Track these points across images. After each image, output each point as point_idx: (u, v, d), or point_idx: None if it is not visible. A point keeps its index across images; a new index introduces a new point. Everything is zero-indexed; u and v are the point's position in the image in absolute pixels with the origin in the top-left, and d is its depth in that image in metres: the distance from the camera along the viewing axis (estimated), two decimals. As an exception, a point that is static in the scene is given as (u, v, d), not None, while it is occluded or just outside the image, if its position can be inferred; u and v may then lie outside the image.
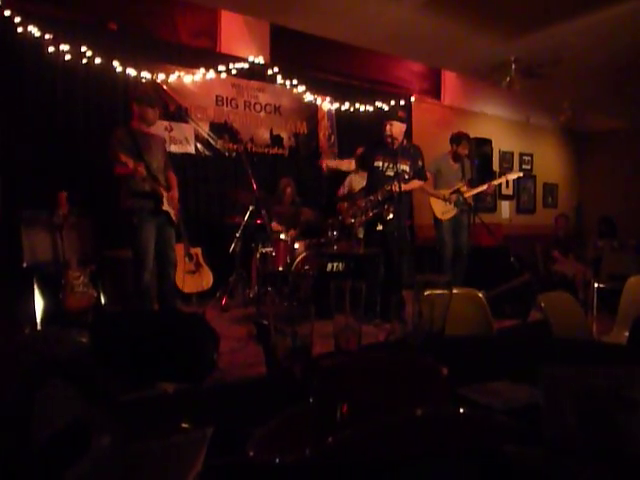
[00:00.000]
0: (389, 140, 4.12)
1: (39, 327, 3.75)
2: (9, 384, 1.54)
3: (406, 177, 4.15)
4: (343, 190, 5.93)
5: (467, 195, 5.24)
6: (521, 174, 7.21)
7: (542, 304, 2.17)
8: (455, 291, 2.18)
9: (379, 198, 4.11)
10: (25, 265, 3.97)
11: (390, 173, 4.13)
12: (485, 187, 5.40)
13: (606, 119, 8.97)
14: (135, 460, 0.87)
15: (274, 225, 5.02)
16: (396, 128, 4.15)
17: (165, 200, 3.79)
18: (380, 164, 4.19)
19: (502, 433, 0.60)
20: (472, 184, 5.39)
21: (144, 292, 3.73)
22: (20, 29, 4.43)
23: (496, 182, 6.64)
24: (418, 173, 4.30)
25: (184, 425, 1.50)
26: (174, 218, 3.90)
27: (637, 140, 9.11)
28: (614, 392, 0.72)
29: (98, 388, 1.88)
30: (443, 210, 5.19)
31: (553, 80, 6.34)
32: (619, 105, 7.96)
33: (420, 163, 4.26)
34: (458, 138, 5.33)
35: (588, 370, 0.76)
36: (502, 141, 8.70)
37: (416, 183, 4.36)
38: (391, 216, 3.99)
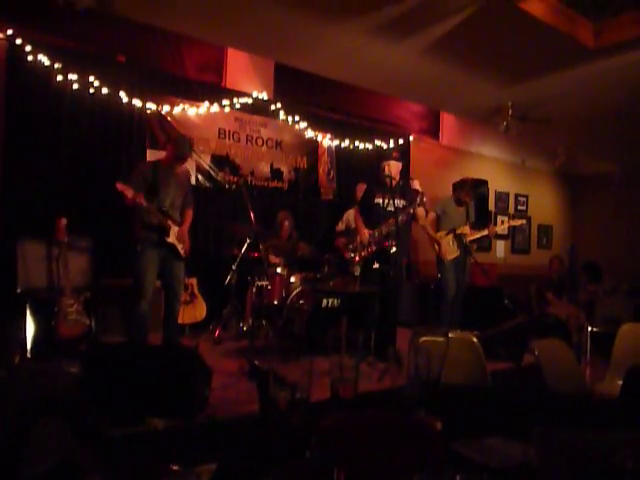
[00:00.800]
0: (387, 179, 4.23)
1: (29, 354, 3.70)
2: (0, 419, 1.52)
3: (411, 212, 4.29)
4: (341, 226, 5.99)
5: (470, 239, 5.39)
6: (524, 222, 7.33)
7: (536, 352, 2.18)
8: (450, 336, 2.19)
9: (383, 232, 4.21)
10: (19, 290, 3.95)
11: (390, 209, 4.24)
12: (486, 232, 5.58)
13: (599, 163, 9.16)
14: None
15: (272, 258, 5.04)
16: (393, 167, 4.34)
17: (172, 233, 3.87)
18: (380, 201, 4.32)
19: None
20: (474, 227, 5.54)
21: (140, 322, 3.76)
22: (30, 57, 4.54)
23: (500, 228, 6.79)
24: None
25: (174, 467, 1.49)
26: (182, 252, 3.96)
27: (629, 184, 9.29)
28: (604, 458, 0.73)
29: (88, 424, 1.86)
30: (448, 250, 5.32)
31: (548, 125, 6.50)
32: (612, 150, 8.16)
33: (412, 203, 4.38)
34: (461, 185, 5.54)
35: (581, 433, 0.78)
36: (498, 182, 8.84)
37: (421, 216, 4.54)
38: (394, 249, 4.07)
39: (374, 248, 4.22)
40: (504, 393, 1.48)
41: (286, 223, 5.38)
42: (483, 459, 0.92)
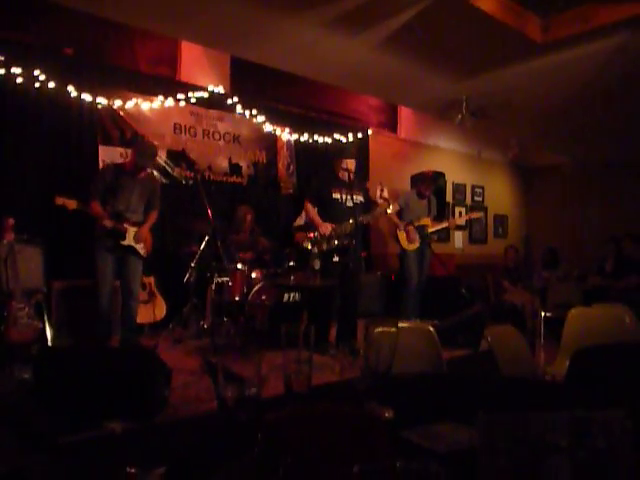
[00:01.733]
0: (345, 174, 4.26)
1: (-23, 361, 3.55)
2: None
3: (384, 209, 4.31)
4: (300, 220, 5.99)
5: (431, 230, 5.58)
6: (481, 214, 7.62)
7: (488, 338, 2.26)
8: (405, 325, 2.24)
9: (346, 230, 4.22)
10: (-35, 295, 3.77)
11: (350, 204, 4.28)
12: (447, 224, 5.81)
13: (551, 155, 9.50)
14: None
15: (242, 254, 5.01)
16: (351, 164, 4.38)
17: (129, 235, 3.95)
18: (338, 196, 4.30)
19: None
20: (435, 219, 5.74)
21: (100, 320, 3.88)
22: (-31, 50, 4.32)
23: (459, 220, 7.05)
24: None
25: (131, 470, 1.46)
26: (141, 251, 4.05)
27: (578, 174, 9.68)
28: (541, 438, 0.77)
29: (38, 431, 1.80)
30: (408, 241, 5.48)
31: (502, 119, 6.70)
32: (562, 142, 8.47)
33: (368, 196, 4.46)
34: (421, 179, 5.75)
35: (520, 415, 0.81)
36: (455, 173, 9.04)
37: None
38: (353, 242, 4.15)
39: (336, 243, 4.24)
40: (455, 380, 1.53)
41: (248, 217, 5.34)
42: (430, 445, 0.95)
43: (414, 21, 4.28)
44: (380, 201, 4.27)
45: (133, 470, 1.44)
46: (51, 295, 4.26)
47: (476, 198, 9.62)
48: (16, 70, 4.53)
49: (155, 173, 5.46)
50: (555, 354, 2.91)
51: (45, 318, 3.87)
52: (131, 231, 3.96)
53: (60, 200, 3.63)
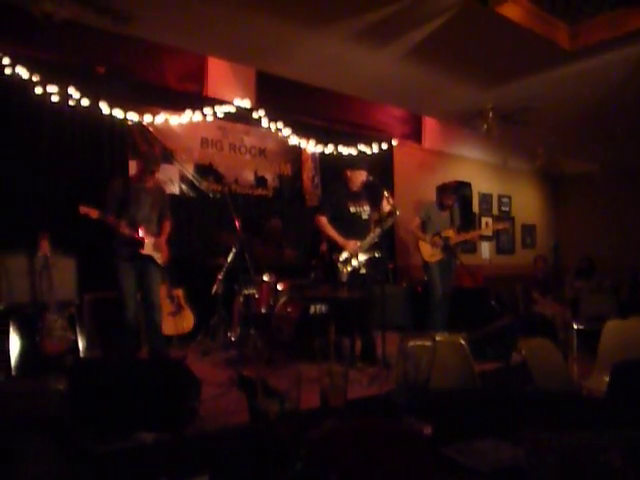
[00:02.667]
0: (354, 186, 4.33)
1: (14, 372, 3.64)
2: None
3: (394, 211, 4.29)
4: (324, 246, 5.95)
5: (454, 242, 5.49)
6: (507, 225, 7.50)
7: (523, 351, 2.20)
8: (438, 339, 2.21)
9: (371, 242, 4.21)
10: (1, 307, 3.88)
11: (365, 217, 4.32)
12: (471, 236, 5.71)
13: (580, 163, 9.32)
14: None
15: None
16: (361, 175, 4.37)
17: (147, 245, 3.99)
18: (354, 210, 4.32)
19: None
20: (459, 230, 5.68)
21: (128, 332, 3.90)
22: (8, 70, 4.48)
23: (486, 231, 6.93)
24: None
25: (165, 482, 1.46)
26: (159, 260, 4.08)
27: (610, 183, 9.45)
28: (593, 458, 0.74)
29: (76, 441, 1.82)
30: (430, 253, 5.39)
31: (529, 126, 6.60)
32: (592, 149, 8.30)
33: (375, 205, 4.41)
34: (443, 189, 5.66)
35: (569, 433, 0.78)
36: (481, 183, 8.94)
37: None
38: (379, 255, 4.15)
39: (365, 258, 4.20)
40: (493, 395, 1.49)
41: (279, 230, 5.38)
42: (473, 463, 0.92)
43: (439, 32, 4.28)
44: (387, 208, 4.28)
45: (167, 482, 1.44)
46: (82, 307, 4.35)
47: (503, 208, 9.48)
48: (51, 89, 4.68)
49: (184, 187, 5.56)
50: (589, 368, 2.82)
51: (77, 330, 3.95)
52: (148, 241, 4.02)
53: (84, 209, 3.70)
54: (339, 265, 4.14)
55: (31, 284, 4.03)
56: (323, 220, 4.31)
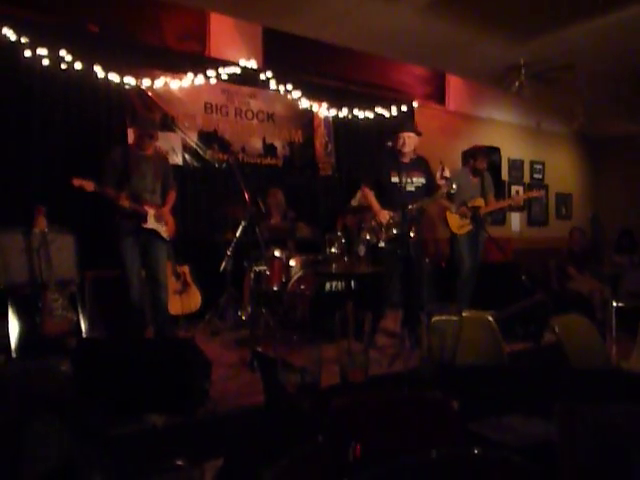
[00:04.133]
0: (403, 153, 4.21)
1: (14, 353, 3.76)
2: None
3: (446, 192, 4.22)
4: (354, 202, 5.95)
5: (485, 211, 5.42)
6: (542, 193, 7.39)
7: (556, 329, 2.22)
8: (465, 314, 2.24)
9: (408, 217, 4.11)
10: (-1, 287, 3.98)
11: (411, 188, 4.21)
12: (502, 205, 5.62)
13: (623, 124, 9.11)
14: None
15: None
16: (412, 140, 4.24)
17: (151, 217, 3.99)
18: (397, 180, 4.20)
19: (517, 474, 0.65)
20: (496, 198, 5.62)
21: (132, 313, 3.94)
22: (-6, 32, 4.50)
23: (519, 199, 6.82)
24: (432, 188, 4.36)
25: (179, 462, 1.54)
26: (165, 235, 4.08)
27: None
28: (630, 430, 0.77)
29: (85, 422, 1.91)
30: (459, 224, 5.35)
31: (565, 84, 6.47)
32: (636, 109, 8.11)
33: (431, 177, 4.32)
34: (474, 153, 5.53)
35: (603, 407, 0.81)
36: (511, 148, 8.82)
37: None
38: (412, 235, 4.08)
39: (394, 232, 4.15)
40: (522, 372, 1.53)
41: (280, 200, 5.38)
42: (501, 437, 0.96)
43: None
44: (442, 182, 4.14)
45: (180, 462, 1.52)
46: (84, 286, 4.43)
47: (535, 175, 9.37)
48: (42, 51, 4.70)
49: (187, 157, 5.58)
50: (629, 349, 2.84)
51: (79, 309, 4.05)
52: (152, 213, 4.01)
53: (77, 182, 3.69)
54: (364, 234, 4.12)
55: (29, 262, 4.10)
56: (366, 190, 4.38)
